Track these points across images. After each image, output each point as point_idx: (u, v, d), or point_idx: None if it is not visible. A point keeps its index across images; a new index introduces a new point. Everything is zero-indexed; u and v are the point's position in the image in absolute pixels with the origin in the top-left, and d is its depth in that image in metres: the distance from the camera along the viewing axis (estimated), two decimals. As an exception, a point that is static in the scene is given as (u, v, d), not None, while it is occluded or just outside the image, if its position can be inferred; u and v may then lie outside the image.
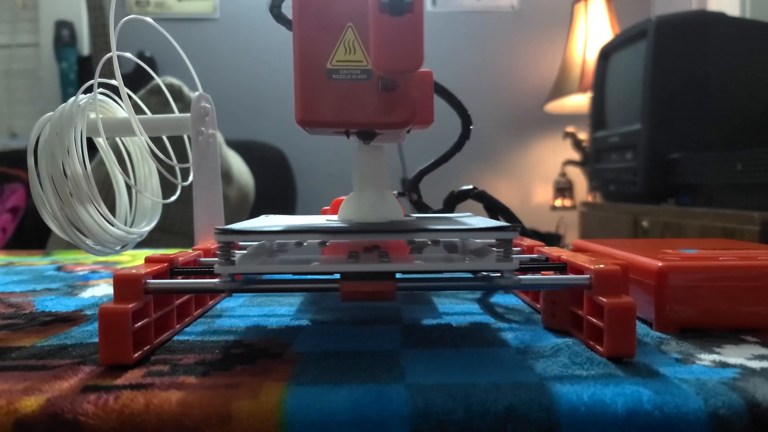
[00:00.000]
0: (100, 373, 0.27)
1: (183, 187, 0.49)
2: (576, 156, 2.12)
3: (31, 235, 1.82)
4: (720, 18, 1.41)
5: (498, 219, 0.53)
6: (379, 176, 0.37)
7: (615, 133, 1.56)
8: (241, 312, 0.40)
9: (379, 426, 0.23)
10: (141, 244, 0.90)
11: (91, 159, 0.44)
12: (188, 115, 0.47)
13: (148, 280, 0.30)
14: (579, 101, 2.05)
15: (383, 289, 0.29)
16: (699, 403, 0.24)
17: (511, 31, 2.38)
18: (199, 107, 0.47)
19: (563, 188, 2.19)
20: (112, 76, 0.44)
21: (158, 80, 0.55)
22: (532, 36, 2.39)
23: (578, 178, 2.20)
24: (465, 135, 0.50)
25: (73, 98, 0.44)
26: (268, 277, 0.35)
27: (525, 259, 0.39)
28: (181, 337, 0.34)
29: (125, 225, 0.49)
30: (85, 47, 2.33)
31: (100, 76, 0.44)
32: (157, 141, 0.47)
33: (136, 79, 1.09)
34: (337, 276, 0.30)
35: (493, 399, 0.24)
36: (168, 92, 0.52)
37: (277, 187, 2.10)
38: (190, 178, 0.47)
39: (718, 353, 0.30)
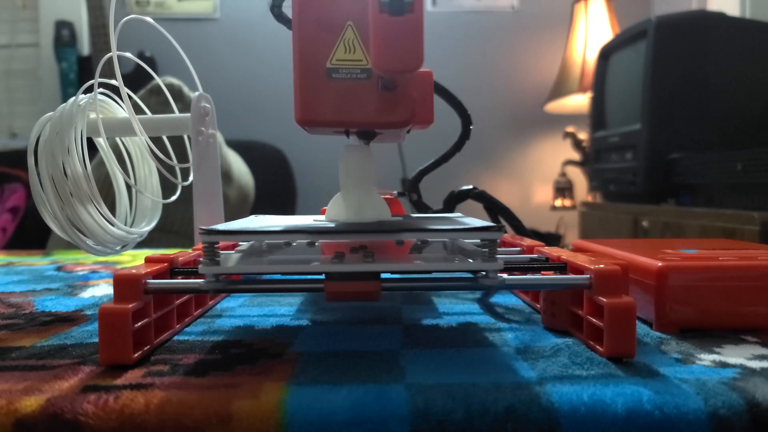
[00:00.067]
0: (100, 373, 0.27)
1: (183, 187, 0.49)
2: (576, 156, 2.12)
3: (31, 235, 1.82)
4: (720, 18, 1.41)
5: (498, 219, 0.53)
6: (366, 176, 0.36)
7: (615, 133, 1.56)
8: (241, 312, 0.40)
9: (379, 426, 0.23)
10: (141, 244, 0.90)
11: (91, 159, 0.44)
12: (188, 115, 0.47)
13: (148, 280, 0.30)
14: (579, 101, 2.05)
15: (367, 289, 0.29)
16: (699, 403, 0.24)
17: (511, 31, 2.38)
18: (199, 107, 0.47)
19: (563, 188, 2.19)
20: (112, 76, 0.44)
21: (158, 80, 0.55)
22: (532, 36, 2.39)
23: (578, 178, 2.20)
24: (465, 135, 0.50)
25: (73, 98, 0.44)
26: (264, 277, 0.35)
27: (525, 259, 0.39)
28: (181, 337, 0.34)
29: (125, 225, 0.49)
30: (85, 47, 2.33)
31: (100, 76, 0.44)
32: (157, 141, 0.47)
33: (136, 79, 1.09)
34: (324, 276, 0.30)
35: (493, 399, 0.24)
36: (168, 92, 0.52)
37: (277, 187, 2.10)
38: (190, 178, 0.47)
39: (718, 353, 0.30)
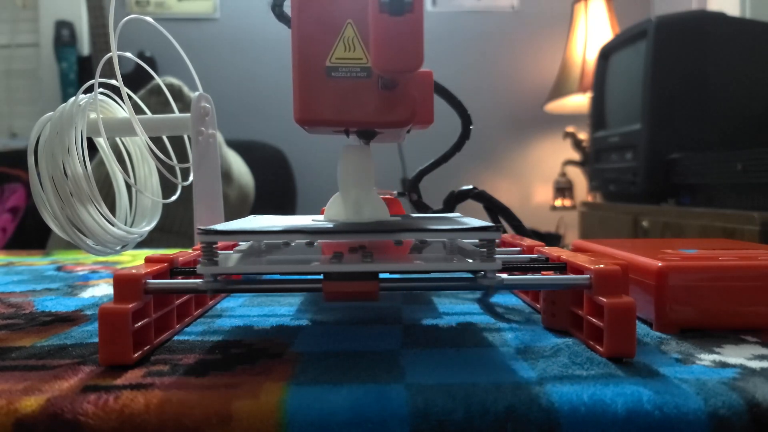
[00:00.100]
0: (100, 373, 0.27)
1: (183, 187, 0.49)
2: (576, 156, 2.12)
3: (31, 235, 1.82)
4: (720, 18, 1.41)
5: (498, 219, 0.53)
6: (364, 176, 0.36)
7: (615, 133, 1.56)
8: (241, 312, 0.40)
9: (379, 426, 0.23)
10: (141, 244, 0.90)
11: (91, 159, 0.44)
12: (188, 115, 0.47)
13: (148, 280, 0.30)
14: (579, 101, 2.05)
15: (366, 289, 0.29)
16: (699, 403, 0.24)
17: (511, 31, 2.38)
18: (199, 107, 0.47)
19: (563, 188, 2.19)
20: (113, 76, 0.44)
21: (158, 80, 0.55)
22: (532, 36, 2.38)
23: (578, 178, 2.20)
24: (465, 135, 0.50)
25: (73, 98, 0.44)
26: (268, 277, 0.35)
27: (525, 259, 0.39)
28: (181, 337, 0.34)
29: (125, 225, 0.49)
30: (85, 47, 2.33)
31: (100, 76, 0.44)
32: (157, 141, 0.47)
33: (136, 79, 1.09)
34: (322, 276, 0.30)
35: (493, 399, 0.24)
36: (168, 92, 0.52)
37: (277, 187, 2.09)
38: (190, 178, 0.47)
39: (718, 353, 0.30)
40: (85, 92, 0.45)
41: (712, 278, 0.34)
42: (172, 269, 0.34)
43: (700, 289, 0.34)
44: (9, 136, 2.38)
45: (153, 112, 0.50)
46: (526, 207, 2.40)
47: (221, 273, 0.30)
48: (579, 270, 0.32)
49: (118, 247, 0.46)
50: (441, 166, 0.53)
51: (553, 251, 0.37)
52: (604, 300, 0.29)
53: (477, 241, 0.35)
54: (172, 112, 0.51)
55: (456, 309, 0.40)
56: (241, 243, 0.39)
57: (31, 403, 0.24)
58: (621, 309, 0.28)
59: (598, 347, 0.30)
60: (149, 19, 0.48)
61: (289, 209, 2.15)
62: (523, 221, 0.54)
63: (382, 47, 0.27)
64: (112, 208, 0.45)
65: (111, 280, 0.53)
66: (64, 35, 2.25)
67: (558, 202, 2.19)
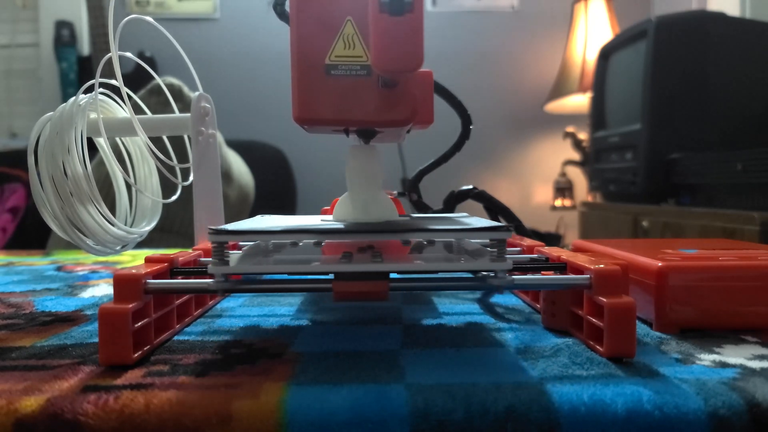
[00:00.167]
0: (100, 373, 0.27)
1: (183, 187, 0.49)
2: (576, 156, 2.12)
3: (31, 235, 1.82)
4: (720, 18, 1.41)
5: (498, 219, 0.53)
6: (373, 176, 0.36)
7: (615, 133, 1.56)
8: (241, 312, 0.40)
9: (379, 426, 0.23)
10: (141, 244, 0.90)
11: (91, 159, 0.44)
12: (188, 115, 0.47)
13: (148, 280, 0.30)
14: (579, 101, 2.05)
15: (376, 289, 0.29)
16: (699, 403, 0.24)
17: (511, 31, 2.38)
18: (199, 107, 0.47)
19: (563, 188, 2.19)
20: (113, 76, 0.44)
21: (158, 80, 0.55)
22: (532, 36, 2.38)
23: (578, 178, 2.20)
24: (465, 135, 0.50)
25: (73, 98, 0.44)
26: (267, 277, 0.35)
27: (525, 259, 0.39)
28: (181, 337, 0.33)
29: (125, 225, 0.49)
30: (85, 47, 2.33)
31: (100, 76, 0.44)
32: (157, 141, 0.47)
33: (136, 79, 1.09)
34: (331, 276, 0.30)
35: (493, 399, 0.24)
36: (168, 92, 0.52)
37: (277, 187, 2.10)
38: (190, 178, 0.47)
39: (718, 353, 0.30)
40: (85, 92, 0.45)
41: (712, 278, 0.34)
42: (172, 269, 0.34)
43: (700, 289, 0.34)
44: (9, 136, 2.38)
45: (153, 112, 0.50)
46: (526, 207, 2.40)
47: (234, 273, 0.30)
48: (579, 270, 0.32)
49: (118, 247, 0.46)
50: (441, 166, 0.53)
51: (553, 251, 0.37)
52: (604, 300, 0.29)
53: (479, 240, 0.35)
54: (172, 112, 0.51)
55: (456, 309, 0.40)
56: (239, 243, 0.39)
57: (31, 403, 0.24)
58: (621, 309, 0.28)
59: (598, 347, 0.30)
60: (149, 19, 0.48)
61: (289, 209, 2.15)
62: (523, 221, 0.54)
63: (382, 47, 0.27)
64: (112, 208, 0.45)
65: (111, 280, 0.53)
66: (64, 35, 2.25)
67: (558, 202, 2.19)
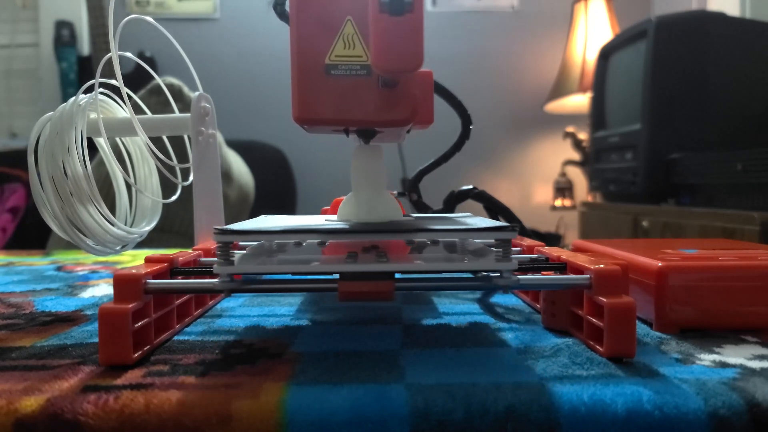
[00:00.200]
0: (100, 373, 0.27)
1: (183, 187, 0.49)
2: (576, 156, 2.12)
3: (31, 235, 1.82)
4: (720, 18, 1.41)
5: (498, 219, 0.53)
6: (378, 176, 0.36)
7: (615, 133, 1.56)
8: (241, 312, 0.40)
9: (379, 426, 0.23)
10: (141, 244, 0.90)
11: (91, 159, 0.44)
12: (188, 115, 0.47)
13: (148, 280, 0.30)
14: (579, 101, 2.05)
15: (381, 289, 0.29)
16: (699, 403, 0.24)
17: (511, 31, 2.38)
18: (199, 107, 0.47)
19: (563, 188, 2.19)
20: (113, 76, 0.44)
21: (158, 80, 0.55)
22: (532, 36, 2.38)
23: (578, 178, 2.20)
24: (465, 135, 0.50)
25: (73, 98, 0.44)
26: (268, 277, 0.35)
27: (525, 259, 0.39)
28: (181, 337, 0.33)
29: (125, 225, 0.49)
30: (85, 47, 2.33)
31: (100, 76, 0.44)
32: (157, 141, 0.47)
33: (136, 79, 1.09)
34: (336, 276, 0.30)
35: (493, 399, 0.24)
36: (168, 92, 0.52)
37: (277, 187, 2.10)
38: (190, 178, 0.47)
39: (718, 353, 0.30)
40: (85, 92, 0.45)
41: (712, 278, 0.34)
42: (172, 269, 0.34)
43: (700, 289, 0.34)
44: (9, 136, 2.38)
45: (153, 112, 0.50)
46: (526, 207, 2.40)
47: (239, 273, 0.30)
48: (579, 270, 0.32)
49: (118, 247, 0.46)
50: (441, 166, 0.53)
51: (553, 251, 0.37)
52: (604, 300, 0.29)
53: (480, 240, 0.35)
54: (172, 112, 0.51)
55: (456, 309, 0.40)
56: (240, 242, 0.39)
57: (31, 403, 0.24)
58: (621, 309, 0.28)
59: (598, 347, 0.30)
60: (149, 19, 0.48)
61: (289, 209, 2.15)
62: (523, 221, 0.54)
63: (382, 47, 0.27)
64: (112, 208, 0.45)
65: (111, 280, 0.53)
66: (64, 35, 2.25)
67: (558, 202, 2.19)
